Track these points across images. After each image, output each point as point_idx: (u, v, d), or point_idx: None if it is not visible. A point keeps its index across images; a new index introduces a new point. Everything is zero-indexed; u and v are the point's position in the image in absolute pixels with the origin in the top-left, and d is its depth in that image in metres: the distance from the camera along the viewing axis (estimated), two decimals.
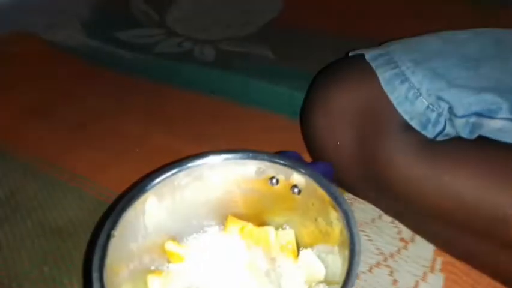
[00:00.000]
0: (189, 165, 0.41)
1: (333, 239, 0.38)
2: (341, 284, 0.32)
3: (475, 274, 0.47)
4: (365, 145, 0.50)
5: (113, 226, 0.35)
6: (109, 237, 0.35)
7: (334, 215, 0.37)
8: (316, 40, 0.85)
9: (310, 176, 0.38)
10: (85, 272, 0.49)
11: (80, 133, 0.72)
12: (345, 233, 0.34)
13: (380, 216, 0.55)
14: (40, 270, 0.51)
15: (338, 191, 0.37)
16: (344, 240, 0.35)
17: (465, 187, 0.44)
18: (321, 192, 0.38)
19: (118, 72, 0.85)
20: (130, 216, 0.37)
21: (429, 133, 0.47)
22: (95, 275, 0.32)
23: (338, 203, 0.35)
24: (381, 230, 0.54)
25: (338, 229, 0.36)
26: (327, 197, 0.37)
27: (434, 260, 0.50)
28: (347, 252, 0.34)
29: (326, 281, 0.40)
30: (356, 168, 0.51)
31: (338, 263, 0.37)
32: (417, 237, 0.52)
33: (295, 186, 0.41)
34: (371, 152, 0.49)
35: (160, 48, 0.88)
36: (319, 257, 0.40)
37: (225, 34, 0.91)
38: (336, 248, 0.38)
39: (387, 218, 0.55)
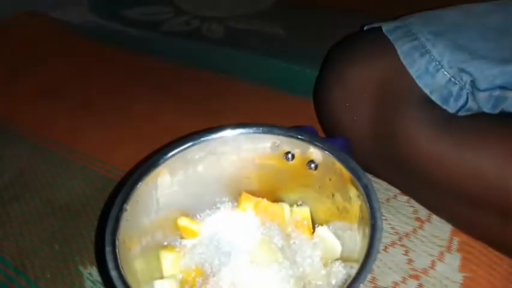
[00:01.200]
0: (203, 139, 0.40)
1: (351, 216, 0.37)
2: (360, 261, 0.31)
3: (493, 254, 0.46)
4: (383, 121, 0.48)
5: (125, 200, 0.34)
6: (121, 210, 0.34)
7: (353, 191, 0.35)
8: (328, 17, 0.83)
9: (328, 150, 0.37)
10: (96, 247, 0.48)
11: (89, 112, 0.71)
12: (365, 208, 0.33)
13: (395, 196, 0.54)
14: (50, 248, 0.51)
15: (357, 165, 0.35)
16: (363, 217, 0.34)
17: (488, 165, 0.42)
18: (339, 166, 0.36)
19: (126, 51, 0.83)
20: (142, 190, 0.36)
21: (451, 108, 0.45)
22: (108, 249, 0.31)
23: (358, 178, 0.34)
24: (396, 210, 0.52)
25: (356, 205, 0.35)
26: (345, 172, 0.36)
27: (450, 240, 0.49)
28: (366, 230, 0.33)
29: (343, 258, 0.39)
30: (372, 145, 0.50)
31: (355, 240, 0.36)
32: (434, 217, 0.51)
33: (311, 161, 0.39)
34: (389, 128, 0.47)
35: (168, 26, 0.87)
36: (335, 234, 0.39)
37: (234, 12, 0.89)
38: (354, 225, 0.36)
39: (403, 198, 0.53)
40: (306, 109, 0.61)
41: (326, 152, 0.37)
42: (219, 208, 0.44)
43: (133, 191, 0.35)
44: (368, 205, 0.33)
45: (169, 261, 0.39)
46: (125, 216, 0.34)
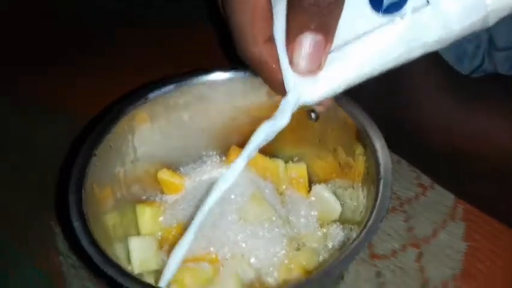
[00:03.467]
0: (189, 81, 0.35)
1: (354, 172, 0.33)
2: (363, 222, 0.27)
3: (498, 224, 0.43)
4: (388, 82, 0.44)
5: (95, 143, 0.30)
6: (89, 156, 0.29)
7: (359, 143, 0.31)
8: None
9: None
10: (59, 198, 0.43)
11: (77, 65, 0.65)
12: (373, 162, 0.29)
13: (398, 161, 0.50)
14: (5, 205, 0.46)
15: (365, 113, 0.31)
16: (369, 173, 0.30)
17: (501, 131, 0.39)
18: (343, 115, 0.32)
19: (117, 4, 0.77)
20: (115, 134, 0.32)
21: (465, 68, 0.42)
22: (71, 198, 0.26)
23: (365, 127, 0.30)
24: (398, 174, 0.49)
25: (361, 159, 0.31)
26: (351, 122, 0.31)
27: (454, 208, 0.45)
28: (372, 187, 0.29)
29: (342, 219, 0.35)
30: (374, 107, 0.46)
31: (358, 200, 0.32)
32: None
33: (312, 111, 0.35)
34: (395, 90, 0.43)
35: None
36: (335, 193, 0.35)
37: None
38: (357, 183, 0.32)
39: (405, 162, 0.49)
40: None
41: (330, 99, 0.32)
42: (205, 162, 0.39)
43: (105, 134, 0.30)
44: (375, 159, 0.28)
45: (147, 217, 0.35)
46: (94, 162, 0.29)
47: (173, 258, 0.27)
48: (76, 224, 0.25)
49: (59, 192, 0.43)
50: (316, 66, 0.25)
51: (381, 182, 0.27)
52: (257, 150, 0.29)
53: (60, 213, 0.42)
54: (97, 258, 0.23)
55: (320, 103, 0.28)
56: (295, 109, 0.27)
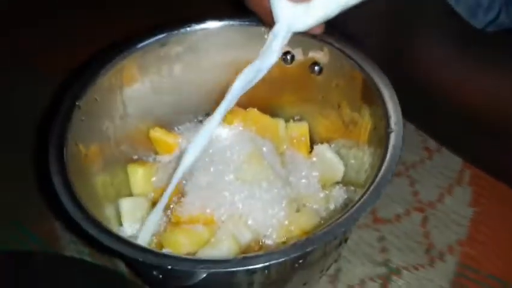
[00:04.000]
0: (181, 30, 0.32)
1: (359, 129, 0.30)
2: (368, 182, 0.25)
3: (506, 188, 0.41)
4: (395, 38, 0.41)
5: (78, 94, 0.27)
6: (72, 106, 0.27)
7: (365, 94, 0.28)
8: None
9: (337, 45, 0.30)
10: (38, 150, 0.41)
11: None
12: (380, 114, 0.26)
13: (404, 124, 0.48)
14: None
15: (374, 63, 0.28)
16: (376, 127, 0.27)
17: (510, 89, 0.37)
18: (349, 66, 0.29)
19: None
20: (102, 86, 0.29)
21: (478, 22, 0.39)
22: (52, 151, 0.24)
23: (372, 76, 0.27)
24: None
25: (368, 112, 0.29)
26: (357, 71, 0.29)
27: (461, 172, 0.44)
28: (379, 145, 0.26)
29: (345, 181, 0.33)
30: (380, 61, 0.43)
31: (362, 160, 0.30)
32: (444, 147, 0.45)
33: (315, 63, 0.32)
34: (404, 42, 0.41)
35: None
36: (338, 152, 0.33)
37: None
38: (362, 141, 0.30)
39: (411, 126, 0.47)
40: None
41: (335, 50, 0.30)
42: (201, 121, 0.37)
43: (89, 86, 0.28)
44: (384, 110, 0.26)
45: (139, 177, 0.33)
46: (79, 116, 0.27)
47: (148, 222, 0.25)
48: (56, 179, 0.23)
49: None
50: None
51: (392, 135, 0.25)
52: (236, 100, 0.26)
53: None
54: (76, 215, 0.21)
55: (313, 30, 0.26)
56: (285, 41, 0.25)
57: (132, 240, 0.24)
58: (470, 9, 0.39)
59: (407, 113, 0.46)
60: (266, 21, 0.26)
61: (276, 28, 0.25)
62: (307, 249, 0.21)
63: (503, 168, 0.41)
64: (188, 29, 0.32)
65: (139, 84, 0.32)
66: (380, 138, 0.27)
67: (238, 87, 0.26)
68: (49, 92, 0.43)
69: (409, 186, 0.42)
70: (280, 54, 0.26)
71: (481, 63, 0.38)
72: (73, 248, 0.37)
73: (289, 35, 0.25)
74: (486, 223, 0.40)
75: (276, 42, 0.25)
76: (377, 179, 0.24)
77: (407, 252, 0.37)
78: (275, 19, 0.25)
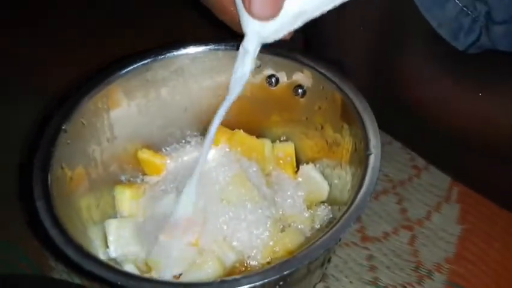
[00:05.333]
0: (167, 55, 0.32)
1: (342, 150, 0.31)
2: (348, 204, 0.25)
3: (494, 206, 0.41)
4: (382, 57, 0.42)
5: (64, 118, 0.28)
6: (58, 130, 0.27)
7: (346, 117, 0.29)
8: None
9: (320, 70, 0.30)
10: (22, 177, 0.40)
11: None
12: (360, 137, 0.27)
13: (390, 142, 0.48)
14: None
15: (354, 86, 0.29)
16: (357, 149, 0.28)
17: (495, 109, 0.37)
18: (331, 90, 0.30)
19: None
20: (88, 110, 0.30)
21: (460, 44, 0.40)
22: (36, 173, 0.24)
23: (353, 100, 0.28)
24: (391, 157, 0.47)
25: (349, 134, 0.29)
26: (338, 96, 0.29)
27: (450, 190, 0.44)
28: (360, 165, 0.27)
29: (330, 200, 0.33)
30: (367, 80, 0.44)
31: (345, 179, 0.30)
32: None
33: (298, 86, 0.33)
34: (390, 62, 0.42)
35: None
36: (323, 173, 0.34)
37: None
38: (345, 161, 0.31)
39: (399, 144, 0.48)
40: None
41: (317, 73, 0.31)
42: (188, 142, 0.37)
43: (75, 110, 0.28)
44: (363, 132, 0.26)
45: (126, 198, 0.33)
46: (65, 139, 0.27)
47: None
48: (39, 204, 0.23)
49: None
50: (272, 11, 0.23)
51: (371, 157, 0.25)
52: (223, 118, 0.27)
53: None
54: (58, 239, 0.22)
55: (283, 37, 0.25)
56: (257, 52, 0.25)
57: (115, 264, 0.24)
58: (452, 32, 0.39)
59: (394, 131, 0.47)
60: (235, 29, 0.26)
61: (246, 42, 0.25)
62: (286, 272, 0.21)
63: (491, 186, 0.42)
64: (174, 53, 0.33)
65: (125, 108, 0.33)
66: (360, 159, 0.27)
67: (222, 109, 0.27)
68: (35, 114, 0.43)
69: (397, 204, 0.43)
70: (253, 67, 0.26)
71: (464, 83, 0.39)
72: (61, 269, 0.36)
73: (260, 44, 0.25)
74: (474, 241, 0.40)
75: (248, 56, 0.25)
76: (356, 201, 0.24)
77: (396, 271, 0.37)
78: (244, 30, 0.24)
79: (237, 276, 0.21)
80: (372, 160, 0.25)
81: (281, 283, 0.23)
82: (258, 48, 0.25)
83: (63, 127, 0.27)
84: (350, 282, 0.36)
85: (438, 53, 0.40)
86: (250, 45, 0.24)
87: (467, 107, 0.38)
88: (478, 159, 0.40)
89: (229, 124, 0.36)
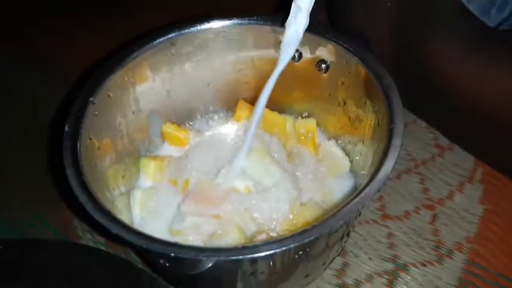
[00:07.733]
0: (191, 29, 0.33)
1: (364, 125, 0.31)
2: (368, 178, 0.25)
3: None
4: (407, 34, 0.41)
5: (92, 90, 0.28)
6: (86, 102, 0.28)
7: (370, 92, 0.29)
8: None
9: (343, 45, 0.30)
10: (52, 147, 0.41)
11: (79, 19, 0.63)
12: (384, 111, 0.27)
13: (414, 121, 0.47)
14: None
15: (378, 61, 0.28)
16: (379, 124, 0.28)
17: None
18: (355, 64, 0.30)
19: None
20: (114, 83, 0.30)
21: (492, 20, 0.38)
22: (66, 144, 0.25)
23: (378, 76, 0.27)
24: (414, 135, 0.46)
25: (372, 109, 0.29)
26: (363, 70, 0.29)
27: (473, 170, 0.43)
28: (382, 140, 0.27)
29: (350, 176, 0.33)
30: (391, 58, 0.43)
31: (367, 155, 0.30)
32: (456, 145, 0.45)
33: (322, 61, 0.33)
34: (415, 39, 0.40)
35: None
36: (344, 149, 0.34)
37: None
38: (367, 137, 0.30)
39: (423, 123, 0.47)
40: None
41: (341, 48, 0.30)
42: (211, 117, 0.38)
43: (102, 83, 0.29)
44: (387, 107, 0.26)
45: (151, 170, 0.34)
46: (93, 111, 0.28)
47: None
48: (69, 172, 0.24)
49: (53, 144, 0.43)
50: None
51: (394, 131, 0.25)
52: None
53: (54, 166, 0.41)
54: (88, 205, 0.23)
55: None
56: (310, 8, 0.25)
57: (141, 229, 0.25)
58: (483, 7, 0.38)
59: (418, 110, 0.46)
60: None
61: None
62: (305, 241, 0.21)
63: None
64: (198, 27, 0.33)
65: (150, 82, 0.33)
66: (382, 136, 0.27)
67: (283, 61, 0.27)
68: (65, 89, 0.45)
69: (419, 183, 0.42)
70: (307, 25, 0.25)
71: (495, 61, 0.38)
72: (88, 238, 0.38)
73: (313, 2, 0.25)
74: (496, 221, 0.39)
75: (301, 14, 0.25)
76: (377, 175, 0.24)
77: (416, 249, 0.37)
78: None
79: (257, 243, 0.21)
80: (395, 134, 0.25)
81: (300, 253, 0.24)
82: (312, 4, 0.25)
83: (91, 99, 0.28)
84: (369, 258, 0.36)
85: (465, 30, 0.39)
86: (303, 1, 0.24)
87: (498, 86, 0.37)
88: (505, 141, 0.40)
89: (251, 100, 0.37)
